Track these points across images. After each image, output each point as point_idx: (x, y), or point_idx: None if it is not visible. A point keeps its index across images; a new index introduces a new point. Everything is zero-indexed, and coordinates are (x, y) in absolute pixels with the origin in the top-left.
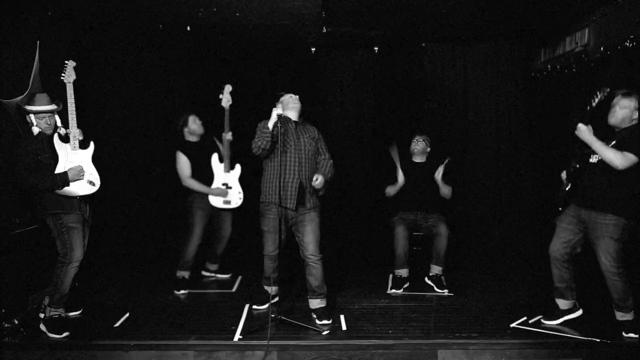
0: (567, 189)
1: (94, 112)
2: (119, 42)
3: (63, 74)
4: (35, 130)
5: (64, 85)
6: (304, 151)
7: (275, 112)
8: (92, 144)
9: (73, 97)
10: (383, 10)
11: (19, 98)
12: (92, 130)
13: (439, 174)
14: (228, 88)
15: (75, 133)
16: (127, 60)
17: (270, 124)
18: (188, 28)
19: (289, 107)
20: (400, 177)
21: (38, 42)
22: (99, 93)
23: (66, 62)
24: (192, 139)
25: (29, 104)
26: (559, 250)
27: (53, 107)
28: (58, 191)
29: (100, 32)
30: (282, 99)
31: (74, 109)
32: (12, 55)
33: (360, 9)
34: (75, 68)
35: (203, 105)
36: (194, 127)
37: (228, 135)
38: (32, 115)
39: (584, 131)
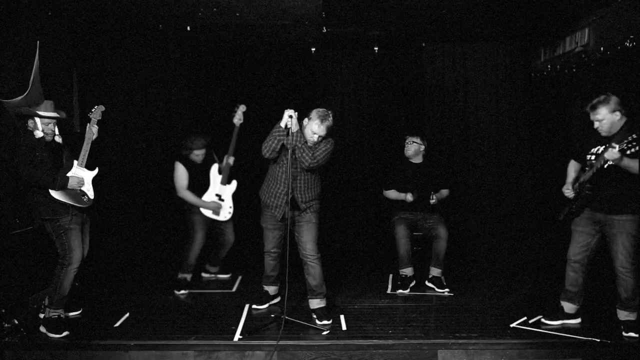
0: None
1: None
2: (119, 42)
3: (91, 112)
4: (38, 134)
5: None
6: (299, 166)
7: (287, 113)
8: (97, 169)
9: (96, 131)
10: (383, 10)
11: (19, 98)
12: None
13: (432, 200)
14: (242, 108)
15: (84, 155)
16: (127, 59)
17: (283, 125)
18: (188, 28)
19: (310, 126)
20: (410, 197)
21: (38, 42)
22: (98, 93)
23: (96, 106)
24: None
25: (35, 108)
26: (579, 255)
27: (58, 115)
28: (53, 194)
29: (100, 32)
30: (312, 114)
31: (91, 137)
32: (12, 55)
33: (360, 9)
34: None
35: (204, 105)
36: (194, 159)
37: (230, 160)
38: (37, 120)
39: (615, 154)
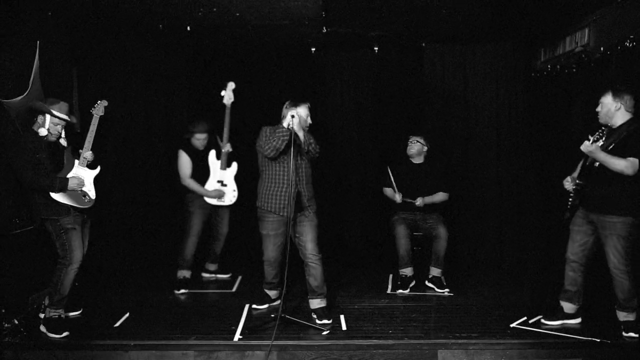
0: (570, 208)
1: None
2: (119, 42)
3: (93, 108)
4: (43, 132)
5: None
6: (300, 160)
7: (290, 113)
8: (98, 168)
9: (96, 127)
10: (383, 10)
11: (19, 98)
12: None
13: (418, 202)
14: (231, 85)
15: (87, 155)
16: (126, 59)
17: (286, 124)
18: (188, 28)
19: (302, 120)
20: (398, 197)
21: (38, 42)
22: (99, 93)
23: (99, 101)
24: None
25: (49, 107)
26: (577, 254)
27: (69, 119)
28: (53, 195)
29: (100, 32)
30: (297, 110)
31: (93, 135)
32: (12, 55)
33: (360, 9)
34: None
35: (204, 105)
36: (196, 143)
37: (226, 147)
38: (47, 117)
39: (588, 146)
